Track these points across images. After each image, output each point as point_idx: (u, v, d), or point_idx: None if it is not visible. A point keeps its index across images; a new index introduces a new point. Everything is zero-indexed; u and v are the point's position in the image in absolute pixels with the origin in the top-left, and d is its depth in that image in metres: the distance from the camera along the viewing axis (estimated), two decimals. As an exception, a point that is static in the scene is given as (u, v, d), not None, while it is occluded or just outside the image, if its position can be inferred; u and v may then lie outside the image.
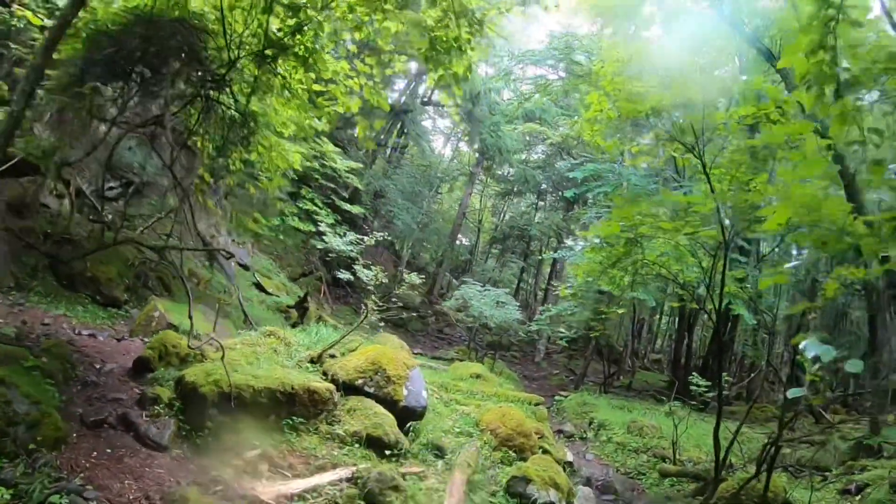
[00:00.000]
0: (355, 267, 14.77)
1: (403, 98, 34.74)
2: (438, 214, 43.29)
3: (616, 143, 11.68)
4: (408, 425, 10.57)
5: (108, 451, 7.09)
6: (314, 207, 17.35)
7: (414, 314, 34.54)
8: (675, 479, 12.68)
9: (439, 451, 10.64)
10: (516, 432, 11.60)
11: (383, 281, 13.18)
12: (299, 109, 10.16)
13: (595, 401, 19.27)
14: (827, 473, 13.02)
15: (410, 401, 10.79)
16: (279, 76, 9.59)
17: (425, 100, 35.42)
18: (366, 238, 14.47)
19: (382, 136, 35.30)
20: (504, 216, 46.77)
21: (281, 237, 24.04)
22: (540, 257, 40.11)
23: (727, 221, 9.26)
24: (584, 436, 16.47)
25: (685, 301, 12.97)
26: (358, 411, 10.04)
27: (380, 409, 10.18)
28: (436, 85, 9.30)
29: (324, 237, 16.08)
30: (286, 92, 9.85)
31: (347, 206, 19.02)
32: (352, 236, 15.50)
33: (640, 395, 24.63)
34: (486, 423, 11.81)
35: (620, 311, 20.34)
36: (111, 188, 15.59)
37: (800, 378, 24.37)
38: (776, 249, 22.39)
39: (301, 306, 19.64)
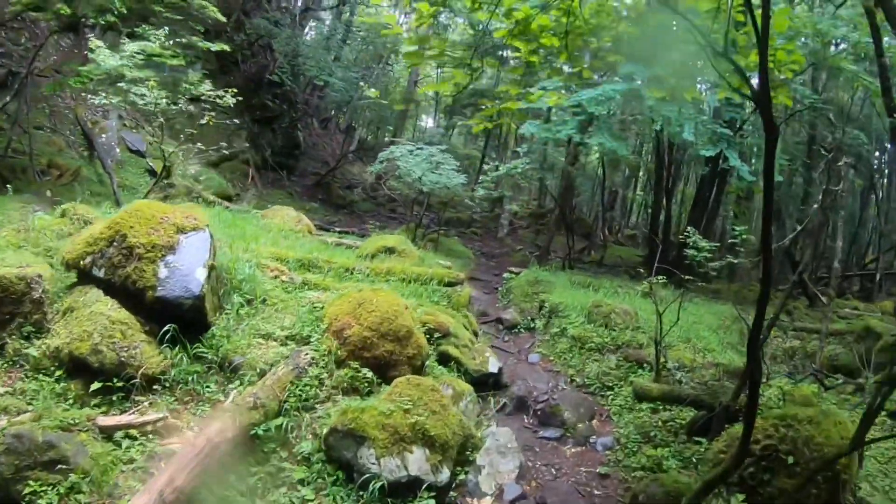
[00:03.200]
0: (122, 86, 8.87)
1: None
2: (395, 90, 36.66)
3: None
4: (164, 330, 5.45)
5: None
6: (158, 49, 11.54)
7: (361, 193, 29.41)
8: (658, 403, 7.16)
9: (233, 375, 5.22)
10: (379, 334, 6.07)
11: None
12: None
13: (552, 278, 13.68)
14: (860, 381, 7.76)
15: (171, 288, 5.38)
16: None
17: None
18: (147, 48, 8.57)
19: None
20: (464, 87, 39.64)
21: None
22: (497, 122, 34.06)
23: None
24: (532, 325, 11.03)
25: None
26: (78, 312, 5.41)
27: (109, 305, 5.45)
28: None
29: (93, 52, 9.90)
30: None
31: (208, 44, 13.09)
32: (133, 46, 9.41)
33: (612, 270, 19.34)
34: (331, 319, 6.24)
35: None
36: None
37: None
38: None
39: (168, 184, 14.28)
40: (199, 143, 12.79)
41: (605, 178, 23.93)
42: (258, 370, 5.58)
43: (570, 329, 9.63)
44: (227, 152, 21.67)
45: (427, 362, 6.66)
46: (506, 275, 15.37)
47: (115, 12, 10.48)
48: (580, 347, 9.16)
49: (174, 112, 10.25)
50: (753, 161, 20.08)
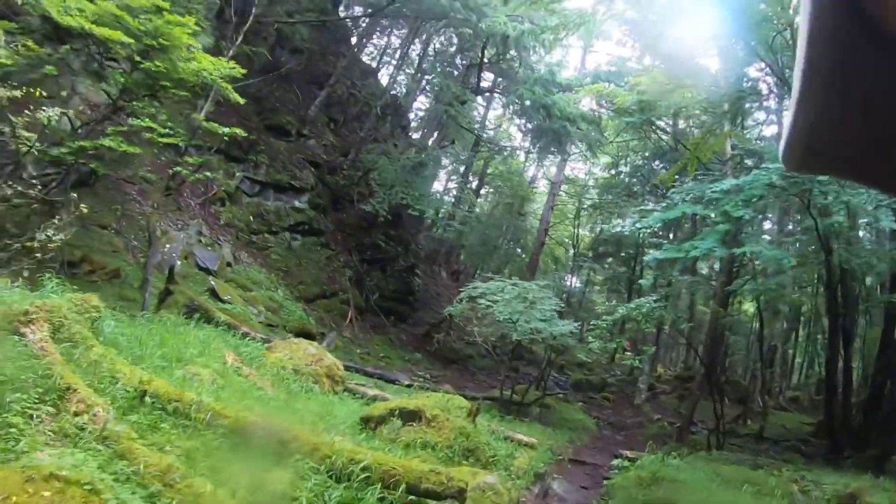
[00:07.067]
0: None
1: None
2: (528, 235, 33.04)
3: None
4: None
5: None
6: (154, 125, 9.12)
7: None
8: None
9: None
10: None
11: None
12: None
13: (682, 472, 8.51)
14: None
15: None
16: None
17: (475, 88, 25.39)
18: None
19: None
20: (599, 231, 34.71)
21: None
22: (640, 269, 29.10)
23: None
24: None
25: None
26: None
27: None
28: None
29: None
30: None
31: (223, 128, 10.42)
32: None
33: (777, 446, 13.65)
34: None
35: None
36: (46, 174, 10.91)
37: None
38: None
39: (166, 290, 11.40)
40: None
41: (763, 326, 18.08)
42: None
43: None
44: (326, 289, 19.70)
45: None
46: (615, 461, 10.09)
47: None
48: None
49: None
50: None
